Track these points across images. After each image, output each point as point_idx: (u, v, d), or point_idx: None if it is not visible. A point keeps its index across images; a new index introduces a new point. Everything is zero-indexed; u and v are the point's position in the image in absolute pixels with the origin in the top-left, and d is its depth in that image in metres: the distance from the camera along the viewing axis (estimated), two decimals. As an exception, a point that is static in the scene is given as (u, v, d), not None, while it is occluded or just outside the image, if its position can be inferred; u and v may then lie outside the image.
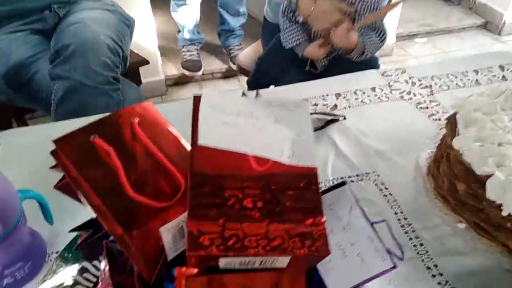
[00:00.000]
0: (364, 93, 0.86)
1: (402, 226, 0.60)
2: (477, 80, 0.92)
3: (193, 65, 2.35)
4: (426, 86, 0.89)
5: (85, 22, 1.13)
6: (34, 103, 1.31)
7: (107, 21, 1.20)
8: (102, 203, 0.32)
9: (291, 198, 0.31)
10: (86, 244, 0.39)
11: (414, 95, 0.87)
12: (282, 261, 0.30)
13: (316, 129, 0.75)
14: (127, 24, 1.32)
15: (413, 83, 0.90)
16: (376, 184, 0.66)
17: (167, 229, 0.33)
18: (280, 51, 1.24)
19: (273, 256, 0.29)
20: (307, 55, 1.09)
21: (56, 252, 0.57)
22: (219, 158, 0.32)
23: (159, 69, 2.22)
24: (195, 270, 0.31)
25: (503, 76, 0.93)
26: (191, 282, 0.30)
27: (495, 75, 0.94)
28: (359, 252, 0.40)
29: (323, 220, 0.30)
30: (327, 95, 0.86)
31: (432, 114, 0.81)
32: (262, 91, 0.80)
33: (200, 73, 2.37)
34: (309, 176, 0.32)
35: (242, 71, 1.84)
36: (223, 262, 0.30)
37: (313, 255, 0.29)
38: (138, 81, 1.66)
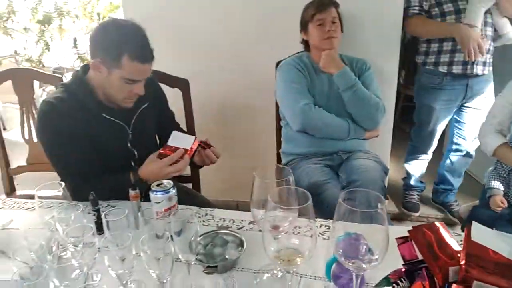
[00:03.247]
0: None
1: None
2: None
3: (413, 207, 2.80)
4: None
5: (366, 168, 1.79)
6: (319, 211, 1.98)
7: (377, 169, 1.84)
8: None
9: None
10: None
11: None
12: None
13: None
14: (386, 172, 1.94)
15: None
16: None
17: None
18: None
19: None
20: None
21: None
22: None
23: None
24: None
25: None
26: None
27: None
28: None
29: None
30: None
31: None
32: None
33: (417, 214, 2.79)
34: None
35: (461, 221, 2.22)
36: None
37: None
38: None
